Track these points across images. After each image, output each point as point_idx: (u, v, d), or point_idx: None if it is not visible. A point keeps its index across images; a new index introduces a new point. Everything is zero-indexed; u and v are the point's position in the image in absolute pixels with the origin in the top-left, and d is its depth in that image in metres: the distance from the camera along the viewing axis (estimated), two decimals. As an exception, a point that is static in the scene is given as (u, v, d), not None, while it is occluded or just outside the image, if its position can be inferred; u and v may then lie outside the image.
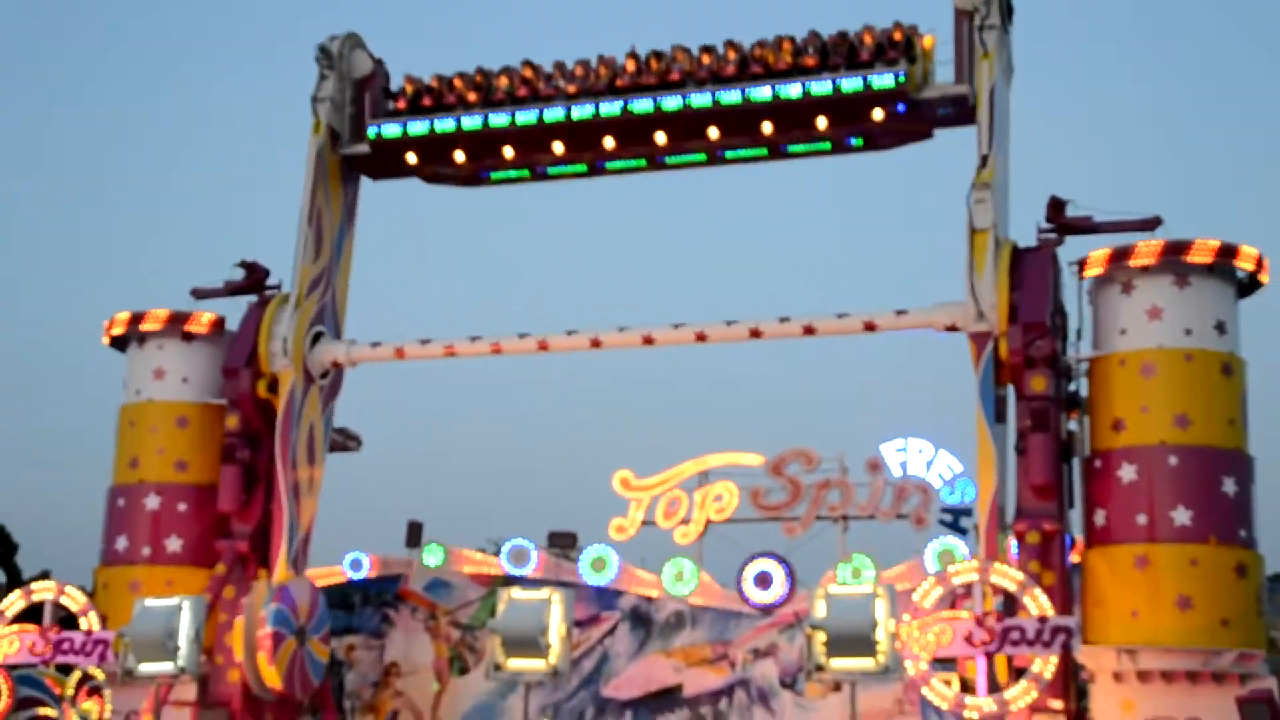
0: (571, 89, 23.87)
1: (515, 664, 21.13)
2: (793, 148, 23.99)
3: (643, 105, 23.28)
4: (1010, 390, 21.96)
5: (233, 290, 25.58)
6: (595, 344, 23.87)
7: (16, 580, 28.76)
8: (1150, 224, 22.36)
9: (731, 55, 23.39)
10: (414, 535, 27.74)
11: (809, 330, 22.77)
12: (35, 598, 23.91)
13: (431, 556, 27.34)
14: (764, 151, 24.09)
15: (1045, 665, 19.93)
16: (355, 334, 25.55)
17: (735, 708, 25.70)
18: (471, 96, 24.44)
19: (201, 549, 24.66)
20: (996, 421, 21.59)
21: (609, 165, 24.68)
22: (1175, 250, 21.71)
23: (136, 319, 25.60)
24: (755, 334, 23.02)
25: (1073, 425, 22.24)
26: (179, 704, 23.06)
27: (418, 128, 24.28)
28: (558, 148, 23.95)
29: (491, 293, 77.37)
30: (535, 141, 23.96)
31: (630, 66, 23.72)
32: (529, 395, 64.89)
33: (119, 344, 26.22)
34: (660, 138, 23.51)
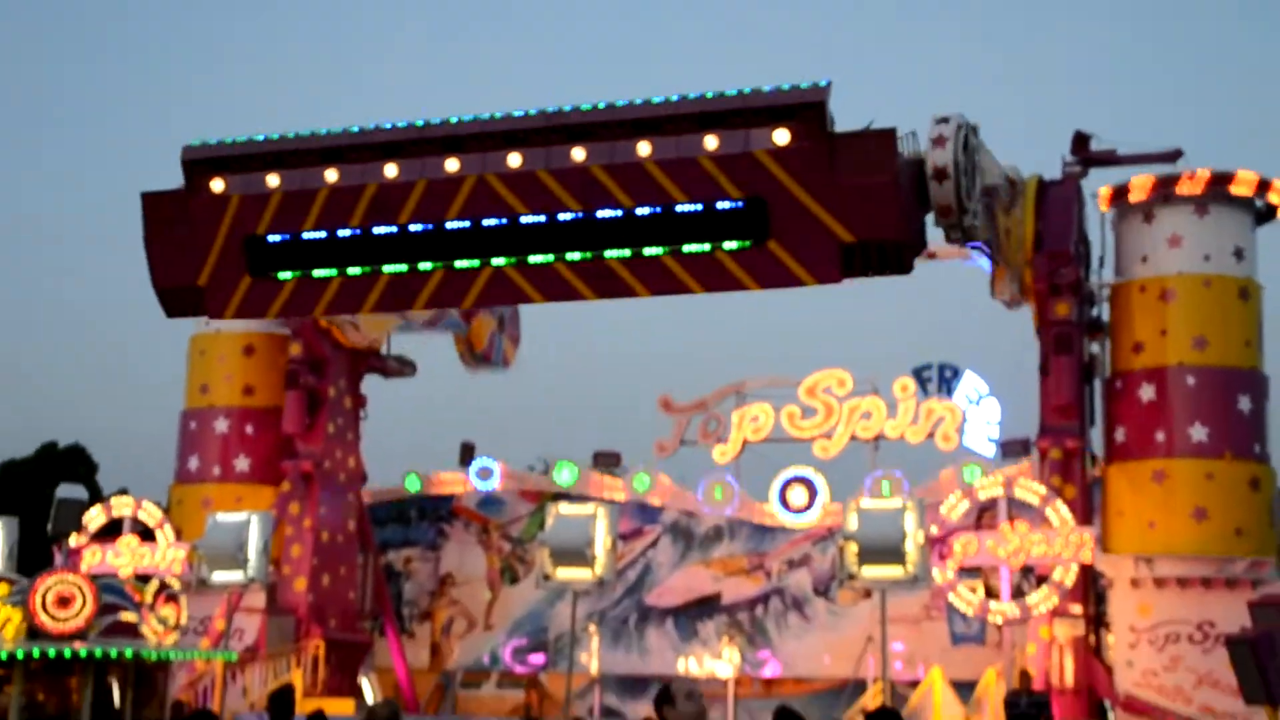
0: None
1: (563, 574, 21.87)
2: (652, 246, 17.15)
3: (494, 113, 17.69)
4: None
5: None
6: None
7: (97, 497, 30.30)
8: (1171, 156, 23.15)
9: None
10: (466, 454, 29.00)
11: None
12: (115, 513, 25.47)
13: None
14: (627, 251, 17.26)
15: (1066, 574, 21.12)
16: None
17: (771, 614, 26.88)
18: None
19: (268, 468, 26.16)
20: None
21: (451, 226, 17.87)
22: (1166, 184, 22.56)
23: None
24: None
25: (1095, 348, 23.31)
26: (249, 610, 24.53)
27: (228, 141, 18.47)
28: (390, 170, 17.88)
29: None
30: (359, 157, 18.03)
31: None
32: (574, 325, 65.87)
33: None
34: (514, 159, 17.29)
